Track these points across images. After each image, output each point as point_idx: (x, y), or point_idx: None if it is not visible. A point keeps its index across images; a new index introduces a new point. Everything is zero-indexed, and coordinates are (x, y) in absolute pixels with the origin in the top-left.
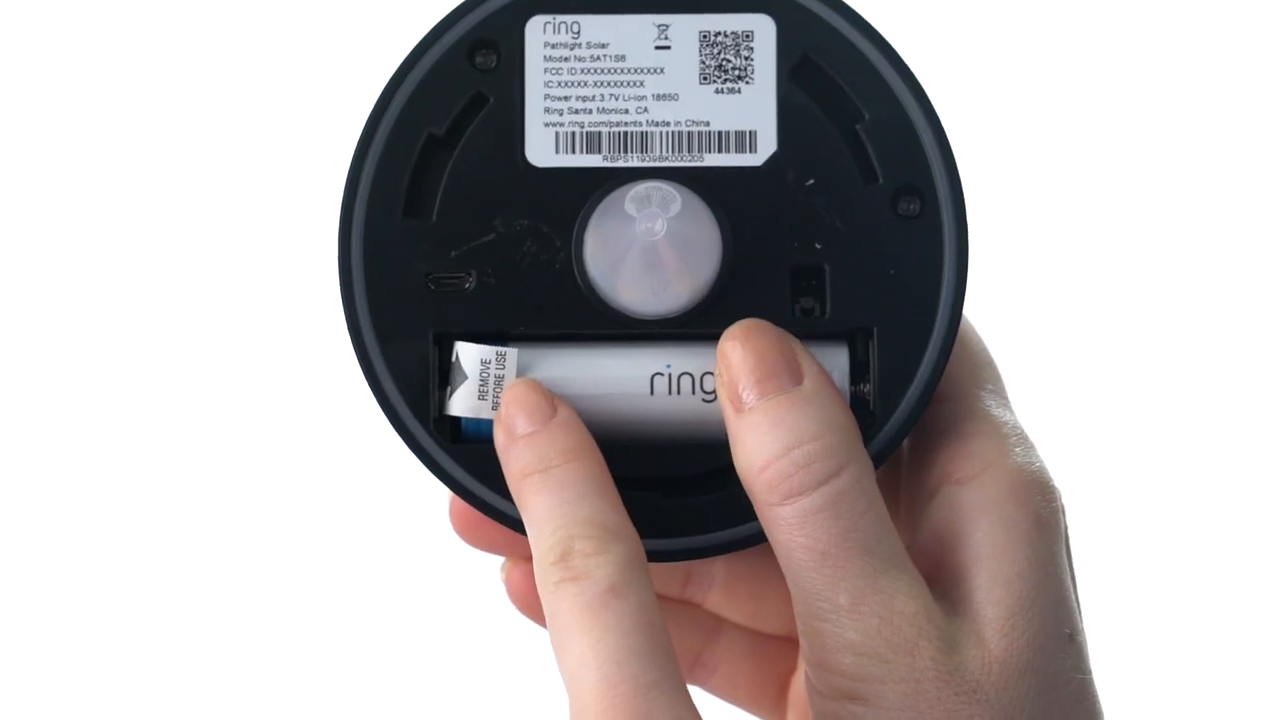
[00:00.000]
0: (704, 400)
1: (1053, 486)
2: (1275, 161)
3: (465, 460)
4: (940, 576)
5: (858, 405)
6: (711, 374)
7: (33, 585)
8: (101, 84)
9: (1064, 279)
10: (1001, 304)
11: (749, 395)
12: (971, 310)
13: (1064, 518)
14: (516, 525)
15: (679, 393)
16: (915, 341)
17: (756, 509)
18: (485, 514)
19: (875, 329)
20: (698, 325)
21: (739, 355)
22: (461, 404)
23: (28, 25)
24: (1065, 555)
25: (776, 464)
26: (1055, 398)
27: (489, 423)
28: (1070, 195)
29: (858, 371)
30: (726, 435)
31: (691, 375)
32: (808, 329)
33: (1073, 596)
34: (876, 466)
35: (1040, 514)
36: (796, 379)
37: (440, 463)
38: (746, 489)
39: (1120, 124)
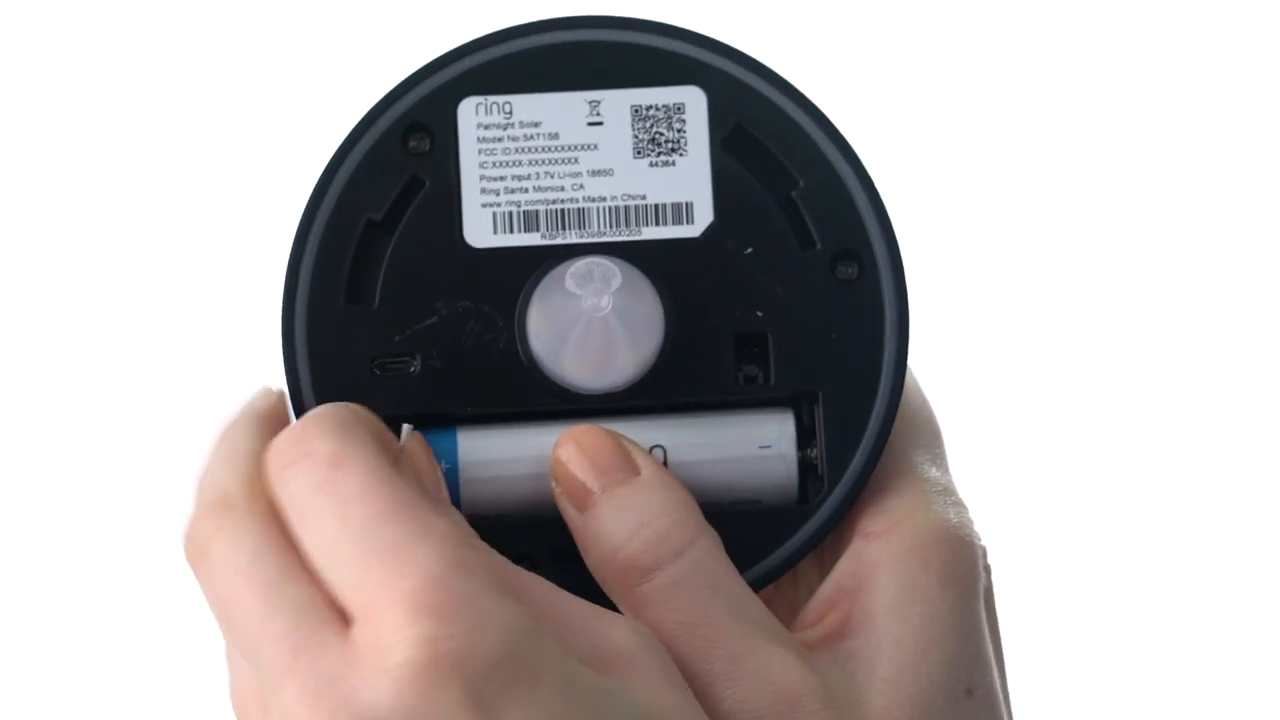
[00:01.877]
0: None
1: (971, 543)
2: (1215, 216)
3: None
4: (837, 629)
5: (806, 470)
6: (660, 446)
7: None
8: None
9: (1007, 330)
10: (946, 357)
11: (594, 491)
12: (916, 366)
13: (985, 575)
14: None
15: None
16: (860, 404)
17: (617, 599)
18: None
19: (820, 393)
20: (644, 398)
21: (574, 458)
22: None
23: None
24: (978, 611)
25: (629, 544)
26: (1001, 448)
27: None
28: (1008, 248)
29: (804, 437)
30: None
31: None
32: (753, 396)
33: (982, 652)
34: (826, 532)
35: (946, 570)
36: (634, 470)
37: None
38: (603, 583)
39: (1052, 177)
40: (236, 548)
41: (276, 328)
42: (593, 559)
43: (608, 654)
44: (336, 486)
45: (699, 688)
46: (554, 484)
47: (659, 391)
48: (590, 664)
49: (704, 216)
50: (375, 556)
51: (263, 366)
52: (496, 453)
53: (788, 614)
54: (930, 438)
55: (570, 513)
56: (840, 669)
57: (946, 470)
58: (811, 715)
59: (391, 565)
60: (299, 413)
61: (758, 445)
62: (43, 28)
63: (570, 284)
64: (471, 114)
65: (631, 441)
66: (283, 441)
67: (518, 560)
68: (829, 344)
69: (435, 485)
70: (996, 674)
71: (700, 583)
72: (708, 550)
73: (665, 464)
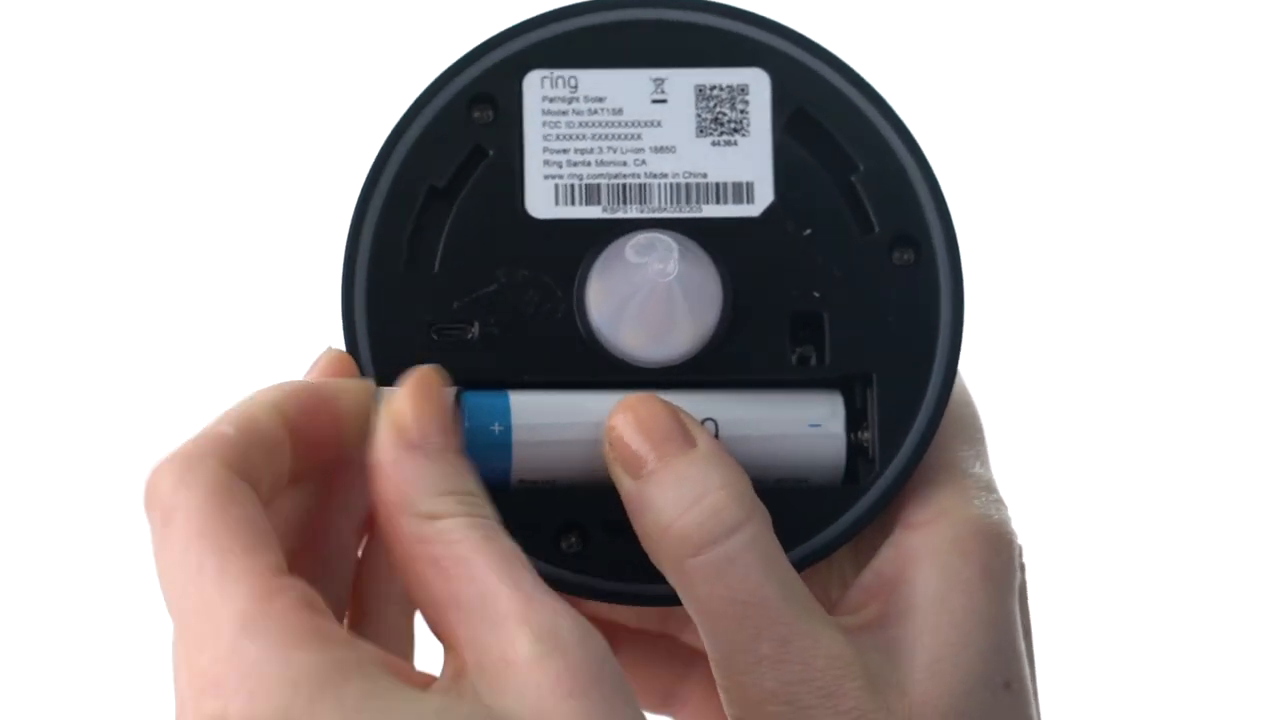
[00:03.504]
0: None
1: (1010, 540)
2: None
3: None
4: (877, 617)
5: (856, 453)
6: (712, 419)
7: (33, 587)
8: (103, 143)
9: (1059, 321)
10: (998, 347)
11: (648, 460)
12: (968, 355)
13: (1020, 572)
14: None
15: None
16: (913, 388)
17: (667, 570)
18: None
19: (874, 375)
20: (699, 372)
21: (631, 426)
22: None
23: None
24: (1014, 606)
25: (687, 514)
26: (1048, 442)
27: (492, 467)
28: (1065, 237)
29: (855, 419)
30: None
31: None
32: (806, 376)
33: (1017, 647)
34: (875, 514)
35: (987, 564)
36: (691, 442)
37: None
38: (654, 552)
39: (1110, 168)
40: None
41: (337, 291)
42: (644, 528)
43: (509, 658)
44: (165, 544)
45: (744, 666)
46: (607, 449)
47: (713, 367)
48: (487, 669)
49: (764, 197)
50: (181, 629)
51: (323, 330)
52: (549, 416)
53: (821, 598)
54: (974, 434)
55: (623, 480)
56: (882, 654)
57: (988, 467)
58: (852, 699)
59: (193, 638)
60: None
61: (807, 423)
62: (100, 8)
63: (630, 254)
64: (537, 86)
65: (688, 414)
66: (149, 479)
67: (567, 529)
68: (884, 327)
69: (436, 433)
70: (1029, 669)
71: (753, 561)
72: (761, 528)
73: (716, 438)
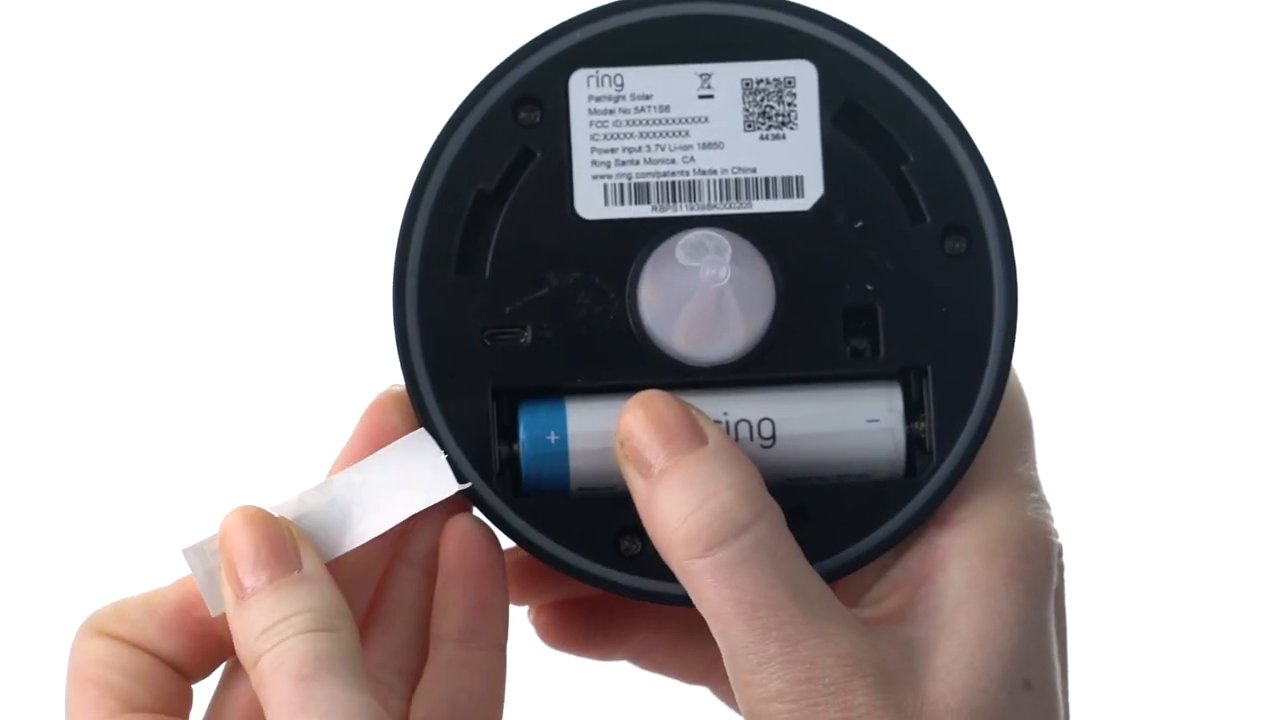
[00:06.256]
0: (762, 446)
1: (1045, 541)
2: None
3: (527, 513)
4: (897, 611)
5: (914, 444)
6: (769, 419)
7: (46, 593)
8: (152, 145)
9: (1114, 308)
10: (1051, 336)
11: (657, 459)
12: (1019, 345)
13: (1056, 572)
14: (578, 574)
15: (737, 439)
16: (969, 379)
17: (676, 570)
18: (547, 564)
19: (930, 367)
20: (753, 370)
21: (641, 424)
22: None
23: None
24: (1044, 608)
25: (693, 516)
26: (1101, 428)
27: (550, 475)
28: (1118, 226)
29: (911, 411)
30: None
31: (749, 421)
32: (861, 369)
33: (1042, 647)
34: (934, 506)
35: (1012, 567)
36: (701, 439)
37: (504, 516)
38: (664, 553)
39: (1164, 155)
40: None
41: (388, 298)
42: (654, 529)
43: None
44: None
45: (753, 665)
46: (618, 448)
47: (768, 364)
48: None
49: (814, 190)
50: None
51: (375, 338)
52: (605, 424)
53: (857, 585)
54: (1021, 430)
55: (635, 480)
56: (898, 651)
57: (1033, 465)
58: (861, 696)
59: None
60: (410, 386)
61: (866, 419)
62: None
63: (681, 256)
64: (583, 86)
65: (699, 410)
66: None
67: (626, 532)
68: (938, 318)
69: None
70: (1058, 670)
71: (761, 561)
72: (771, 524)
73: (774, 437)
